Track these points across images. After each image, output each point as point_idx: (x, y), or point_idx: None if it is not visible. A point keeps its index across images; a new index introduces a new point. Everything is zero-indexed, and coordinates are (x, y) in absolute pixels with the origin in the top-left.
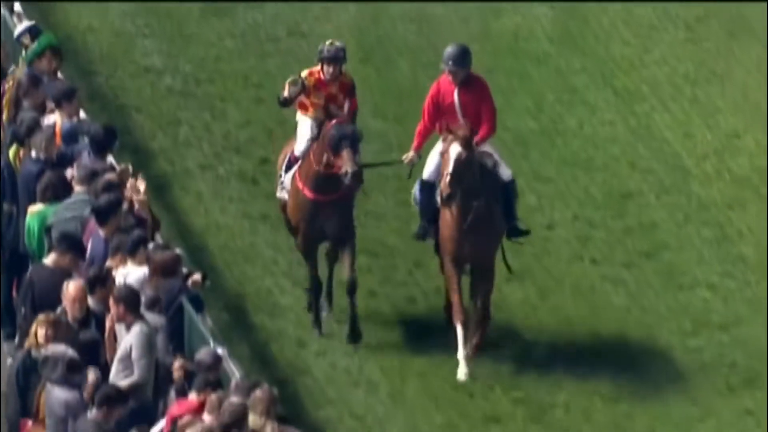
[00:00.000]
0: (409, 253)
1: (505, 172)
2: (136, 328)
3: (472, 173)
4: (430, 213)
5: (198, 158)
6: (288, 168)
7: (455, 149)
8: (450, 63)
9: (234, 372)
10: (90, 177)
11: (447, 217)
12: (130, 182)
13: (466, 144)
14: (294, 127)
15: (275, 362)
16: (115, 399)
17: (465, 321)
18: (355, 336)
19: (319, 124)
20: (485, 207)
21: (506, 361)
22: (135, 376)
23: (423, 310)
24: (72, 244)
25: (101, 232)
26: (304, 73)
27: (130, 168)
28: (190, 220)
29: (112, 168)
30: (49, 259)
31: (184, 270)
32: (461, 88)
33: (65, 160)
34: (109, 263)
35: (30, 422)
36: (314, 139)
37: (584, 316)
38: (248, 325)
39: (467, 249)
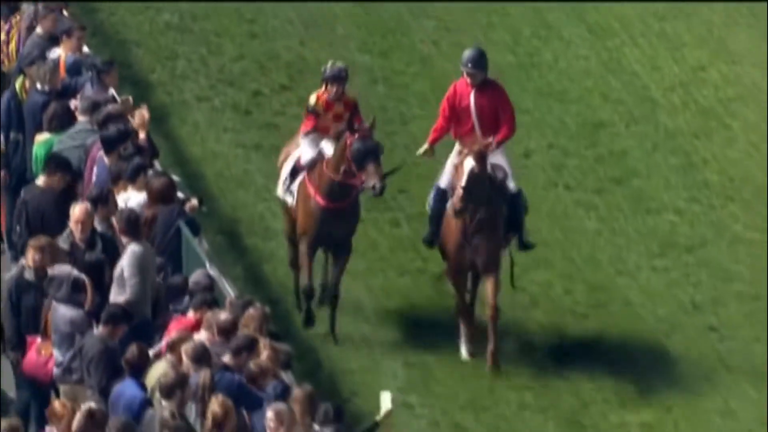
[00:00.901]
0: (394, 180)
1: (513, 185)
2: (129, 249)
3: (483, 187)
4: (439, 219)
5: (194, 90)
6: (293, 174)
7: (469, 163)
8: (469, 65)
9: (228, 292)
10: (92, 108)
11: (451, 225)
12: (136, 111)
13: (480, 158)
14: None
15: (267, 282)
16: (120, 317)
17: (468, 324)
18: (333, 334)
19: (323, 137)
20: (488, 217)
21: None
22: (127, 295)
23: (407, 232)
24: (60, 164)
25: (106, 160)
26: (313, 100)
27: (131, 99)
28: (187, 148)
29: (113, 99)
30: (40, 180)
31: (182, 195)
32: (477, 90)
33: (69, 92)
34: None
35: (38, 339)
36: (321, 149)
37: (558, 239)
38: (242, 248)
39: (469, 257)
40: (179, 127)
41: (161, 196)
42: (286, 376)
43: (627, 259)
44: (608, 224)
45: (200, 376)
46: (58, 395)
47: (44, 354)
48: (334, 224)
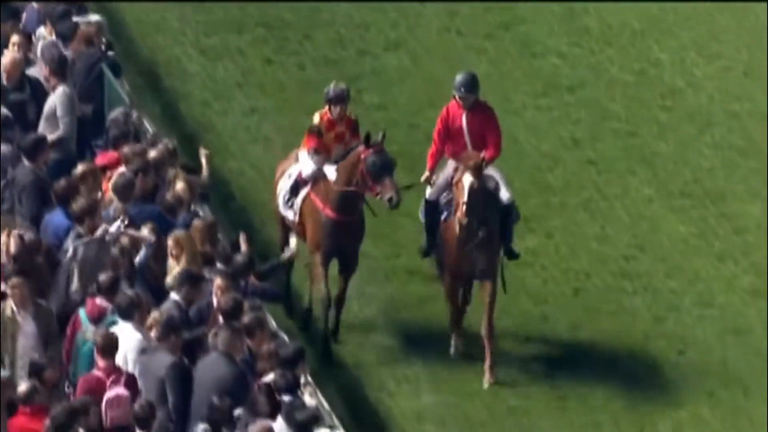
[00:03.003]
0: (300, 25)
1: (505, 195)
2: (59, 90)
3: (483, 200)
4: (434, 230)
5: None
6: (294, 189)
7: (468, 179)
8: (462, 90)
9: (147, 129)
10: None
11: (448, 236)
12: None
13: (477, 173)
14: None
15: (183, 120)
16: (43, 145)
17: (459, 334)
18: (334, 338)
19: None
20: (486, 227)
21: None
22: (60, 131)
23: (313, 76)
24: None
25: (35, 5)
26: (317, 119)
27: None
28: None
29: None
30: None
31: (104, 39)
32: (469, 112)
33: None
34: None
35: None
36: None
37: (451, 80)
38: (160, 89)
39: (467, 267)
40: None
41: (87, 40)
42: (202, 209)
43: (514, 98)
44: (497, 67)
45: (123, 207)
46: None
47: None
48: (345, 236)
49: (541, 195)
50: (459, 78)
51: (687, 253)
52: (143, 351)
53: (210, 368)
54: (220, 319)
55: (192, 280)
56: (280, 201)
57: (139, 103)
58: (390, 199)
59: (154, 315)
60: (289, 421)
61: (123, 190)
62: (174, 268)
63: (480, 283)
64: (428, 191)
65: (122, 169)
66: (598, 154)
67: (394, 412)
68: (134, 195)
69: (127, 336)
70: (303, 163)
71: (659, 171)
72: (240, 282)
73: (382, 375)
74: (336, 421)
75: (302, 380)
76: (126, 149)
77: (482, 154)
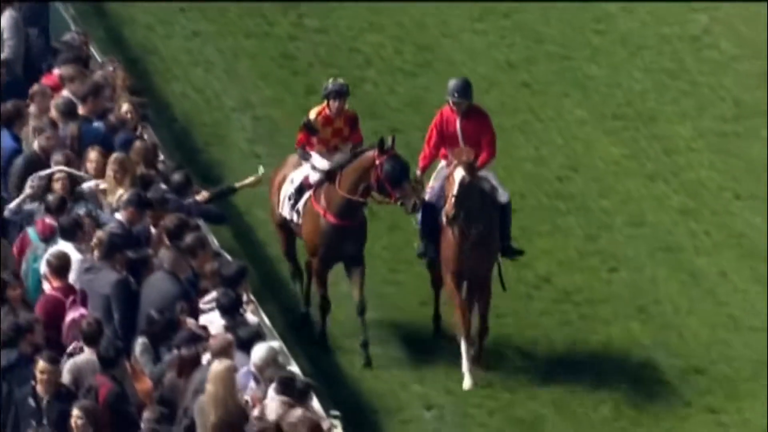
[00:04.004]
0: None
1: (502, 195)
2: (6, 13)
3: (473, 196)
4: (430, 232)
5: None
6: (299, 192)
7: (459, 173)
8: (455, 95)
9: (94, 54)
10: None
11: (449, 238)
12: None
13: (469, 168)
14: None
15: (127, 44)
16: None
17: (468, 336)
18: (367, 359)
19: (328, 155)
20: (484, 228)
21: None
22: (6, 53)
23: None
24: None
25: None
26: (313, 115)
27: None
28: None
29: None
30: None
31: None
32: (463, 117)
33: None
34: None
35: None
36: (333, 168)
37: (389, 6)
38: (103, 12)
39: (467, 267)
40: None
41: None
42: (146, 131)
43: (451, 23)
44: None
45: (69, 128)
46: None
47: None
48: (345, 241)
49: None
50: (452, 83)
51: (619, 174)
52: (88, 269)
53: (155, 286)
54: (164, 239)
55: (139, 203)
56: (285, 205)
57: (83, 26)
58: (414, 205)
59: (98, 234)
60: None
61: (66, 112)
62: (113, 188)
63: (477, 286)
64: (428, 194)
65: (66, 91)
66: (533, 77)
67: (333, 329)
68: (80, 116)
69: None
70: (307, 168)
71: (592, 94)
72: (184, 202)
73: None
74: (277, 338)
75: (244, 298)
76: (71, 71)
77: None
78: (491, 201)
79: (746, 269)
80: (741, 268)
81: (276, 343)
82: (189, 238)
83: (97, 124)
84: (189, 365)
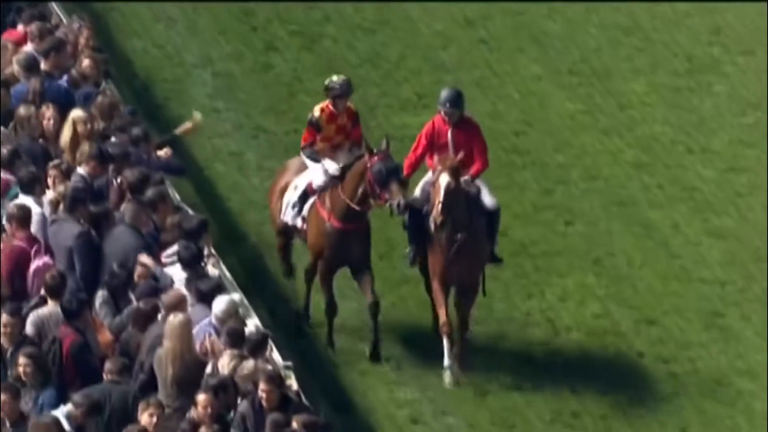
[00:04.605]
0: None
1: (489, 201)
2: None
3: (460, 202)
4: (418, 238)
5: None
6: (303, 198)
7: (444, 179)
8: (447, 105)
9: (56, 10)
10: None
11: (436, 243)
12: None
13: (454, 173)
14: None
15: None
16: None
17: (450, 334)
18: (377, 355)
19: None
20: (471, 234)
21: None
22: None
23: None
24: None
25: None
26: (317, 113)
27: None
28: None
29: None
30: None
31: None
32: (455, 127)
33: None
34: None
35: None
36: (341, 172)
37: None
38: None
39: (454, 273)
40: None
41: None
42: (107, 85)
43: None
44: None
45: (31, 84)
46: None
47: None
48: (350, 245)
49: (434, 73)
50: (444, 93)
51: (574, 129)
52: (51, 222)
53: (117, 240)
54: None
55: (101, 157)
56: (288, 211)
57: None
58: (398, 205)
59: (60, 188)
60: (193, 290)
61: (28, 67)
62: (73, 144)
63: (464, 290)
64: (413, 199)
65: (28, 47)
66: (490, 33)
67: (294, 281)
68: (42, 72)
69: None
70: (313, 173)
71: (548, 50)
72: (144, 156)
73: None
74: (238, 290)
75: (205, 252)
76: (33, 27)
77: (461, 156)
78: (478, 206)
79: (698, 222)
80: (693, 221)
81: (237, 296)
82: (150, 192)
83: (59, 80)
84: (147, 318)
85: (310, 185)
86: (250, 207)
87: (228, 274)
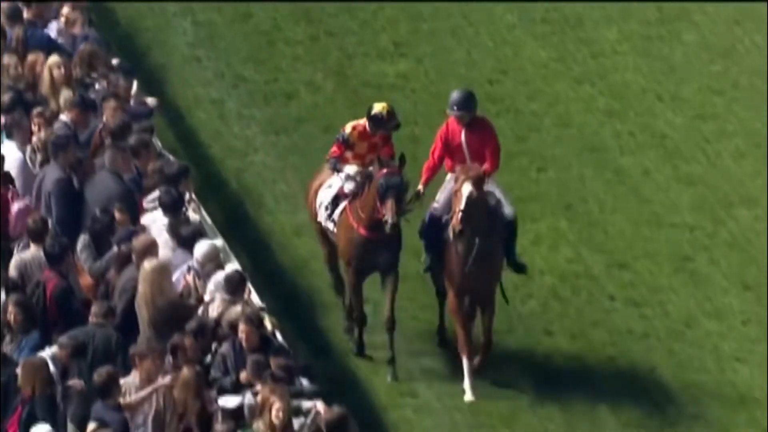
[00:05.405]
0: None
1: (508, 211)
2: None
3: (480, 211)
4: (435, 247)
5: None
6: (335, 202)
7: (467, 188)
8: (455, 108)
9: None
10: None
11: (453, 253)
12: None
13: (478, 183)
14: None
15: None
16: None
17: (471, 354)
18: (394, 372)
19: (364, 168)
20: (489, 244)
21: None
22: None
23: None
24: None
25: None
26: (348, 130)
27: None
28: None
29: None
30: None
31: None
32: (468, 129)
33: None
34: None
35: None
36: (363, 180)
37: None
38: None
39: (471, 282)
40: None
41: None
42: (90, 35)
43: None
44: None
45: (14, 32)
46: None
47: None
48: (378, 253)
49: (411, 22)
50: (454, 96)
51: (547, 77)
52: (40, 167)
53: (99, 186)
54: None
55: (83, 105)
56: (322, 212)
57: None
58: (385, 221)
59: (42, 134)
60: (174, 235)
61: (11, 16)
62: (48, 87)
63: (481, 301)
64: (433, 207)
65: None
66: None
67: (273, 227)
68: (25, 21)
69: (10, 154)
70: (345, 178)
71: None
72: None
73: (263, 193)
74: (218, 235)
75: (186, 197)
76: None
77: (486, 166)
78: (497, 216)
79: (668, 168)
80: (663, 167)
81: (218, 241)
82: (133, 139)
83: (42, 29)
84: (126, 263)
85: (341, 189)
86: (230, 154)
87: (208, 219)
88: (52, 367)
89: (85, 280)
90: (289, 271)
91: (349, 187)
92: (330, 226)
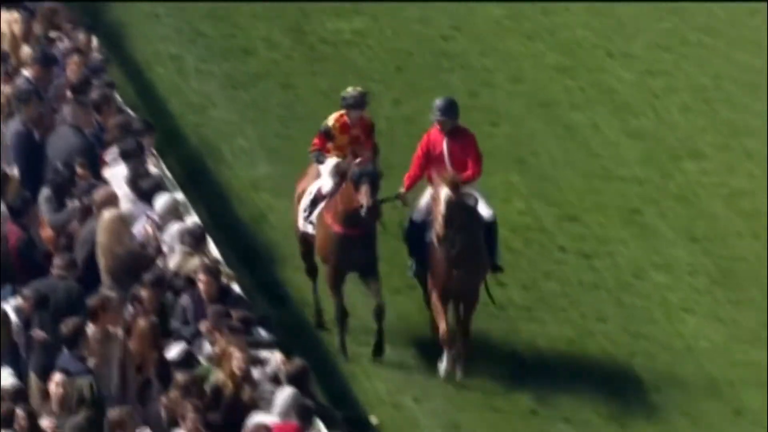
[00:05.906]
0: None
1: (486, 212)
2: None
3: (462, 214)
4: (419, 251)
5: None
6: (313, 204)
7: (445, 192)
8: (438, 113)
9: None
10: None
11: (437, 256)
12: None
13: (454, 187)
14: None
15: None
16: None
17: (451, 346)
18: (379, 351)
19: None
20: (471, 246)
21: None
22: None
23: None
24: None
25: None
26: (331, 121)
27: None
28: None
29: None
30: None
31: None
32: (449, 137)
33: None
34: None
35: None
36: (341, 177)
37: None
38: None
39: (455, 285)
40: None
41: None
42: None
43: None
44: None
45: None
46: None
47: None
48: (353, 250)
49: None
50: (437, 102)
51: (500, 34)
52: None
53: (60, 140)
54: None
55: (45, 60)
56: (301, 217)
57: None
58: (360, 207)
59: (5, 90)
60: (134, 188)
61: None
62: (9, 42)
63: (464, 302)
64: (414, 213)
65: None
66: None
67: (232, 181)
68: None
69: None
70: (323, 179)
71: None
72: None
73: (221, 148)
74: (178, 189)
75: (147, 152)
76: None
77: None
78: (477, 218)
79: (617, 122)
80: (612, 122)
81: (177, 194)
82: (95, 94)
83: None
84: (86, 215)
85: (319, 190)
86: (189, 109)
87: (168, 173)
88: (14, 318)
89: (46, 232)
90: (247, 225)
91: (327, 187)
92: (309, 228)
